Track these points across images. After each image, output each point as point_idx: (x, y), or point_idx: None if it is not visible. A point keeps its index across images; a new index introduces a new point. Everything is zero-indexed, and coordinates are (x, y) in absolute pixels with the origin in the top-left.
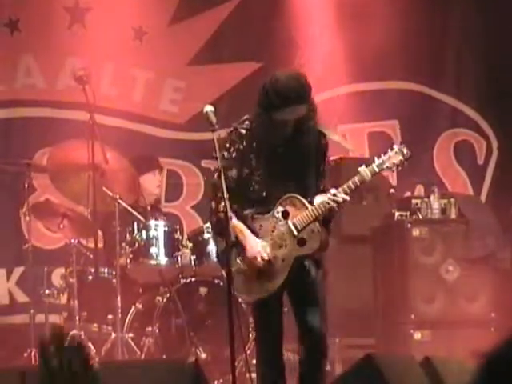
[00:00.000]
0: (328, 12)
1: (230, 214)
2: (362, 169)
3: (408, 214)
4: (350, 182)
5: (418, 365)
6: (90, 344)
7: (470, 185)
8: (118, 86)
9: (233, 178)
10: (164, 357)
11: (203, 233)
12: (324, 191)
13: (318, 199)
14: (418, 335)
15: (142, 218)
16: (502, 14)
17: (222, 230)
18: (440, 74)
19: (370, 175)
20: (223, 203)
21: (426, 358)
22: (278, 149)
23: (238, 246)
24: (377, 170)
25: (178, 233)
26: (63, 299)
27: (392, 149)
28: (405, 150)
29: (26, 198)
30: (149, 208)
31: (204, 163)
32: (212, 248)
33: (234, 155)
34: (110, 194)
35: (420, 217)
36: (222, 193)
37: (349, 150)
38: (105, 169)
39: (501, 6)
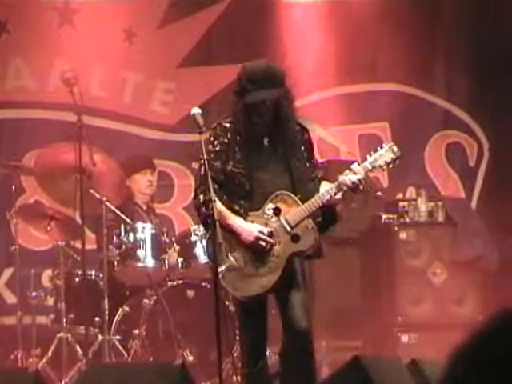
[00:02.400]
0: (318, 14)
1: (216, 216)
2: (355, 166)
3: (395, 216)
4: (342, 176)
5: (404, 367)
6: (77, 346)
7: (462, 187)
8: (108, 87)
9: (218, 169)
10: (151, 359)
11: (190, 235)
12: (317, 179)
13: (321, 190)
14: (405, 338)
15: (129, 221)
16: (492, 17)
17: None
18: (431, 76)
19: (363, 172)
20: (210, 205)
21: (413, 360)
22: (260, 142)
23: (230, 240)
24: (369, 167)
25: (166, 235)
26: (51, 301)
27: (382, 147)
28: (395, 148)
29: (13, 200)
30: (144, 208)
31: (194, 165)
32: (199, 251)
33: (217, 148)
34: (98, 196)
35: (407, 220)
36: (210, 194)
37: (335, 145)
38: (92, 171)
39: (491, 9)
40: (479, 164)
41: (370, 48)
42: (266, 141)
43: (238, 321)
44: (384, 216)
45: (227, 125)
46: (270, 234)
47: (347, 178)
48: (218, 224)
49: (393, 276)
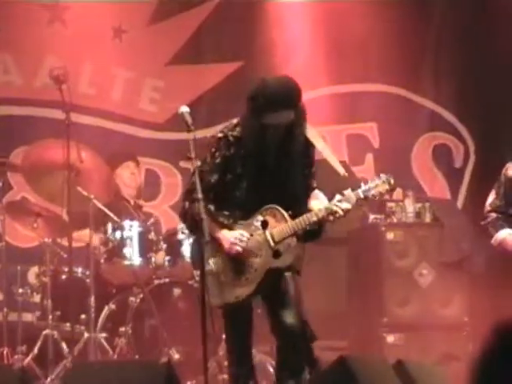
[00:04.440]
0: (308, 14)
1: (202, 215)
2: (348, 192)
3: (383, 217)
4: (334, 202)
5: (390, 368)
6: (62, 343)
7: (448, 188)
8: (97, 84)
9: (211, 183)
10: (137, 357)
11: (177, 234)
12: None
13: (315, 205)
14: (391, 338)
15: (116, 218)
16: (482, 19)
17: (196, 229)
18: (419, 78)
19: (354, 200)
20: (197, 204)
21: (399, 361)
22: (266, 158)
23: (212, 246)
24: (362, 195)
25: (153, 233)
26: (37, 298)
27: (379, 177)
28: (392, 181)
29: (0, 196)
30: (132, 203)
31: (182, 163)
32: (186, 249)
33: (217, 161)
34: (85, 193)
35: (395, 220)
36: (197, 193)
37: (330, 162)
38: (80, 168)
39: (481, 10)
40: (465, 166)
41: (359, 48)
42: (272, 155)
43: (224, 321)
44: (371, 216)
45: (231, 139)
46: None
47: (340, 205)
48: (204, 223)
49: (379, 276)
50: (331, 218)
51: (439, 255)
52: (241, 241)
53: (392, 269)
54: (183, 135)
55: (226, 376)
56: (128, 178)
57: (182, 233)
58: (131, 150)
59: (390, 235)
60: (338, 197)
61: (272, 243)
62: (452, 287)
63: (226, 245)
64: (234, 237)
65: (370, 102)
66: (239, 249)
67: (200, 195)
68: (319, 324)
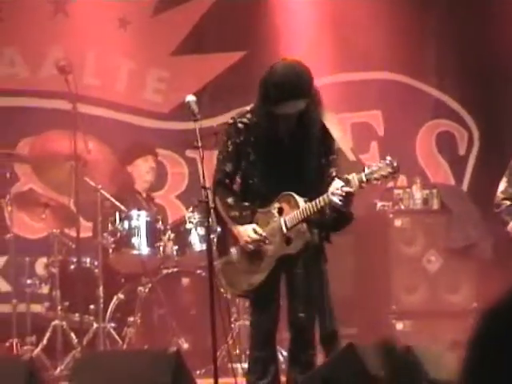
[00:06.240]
0: (312, 2)
1: (210, 204)
2: (351, 176)
3: (390, 204)
4: (338, 185)
5: (398, 354)
6: (71, 334)
7: (452, 175)
8: (102, 75)
9: (225, 172)
10: (146, 347)
11: (185, 223)
12: (330, 178)
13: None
14: (399, 325)
15: (123, 208)
16: (485, 9)
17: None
18: (423, 65)
19: (357, 183)
20: (203, 192)
21: (407, 346)
22: (281, 142)
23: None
24: (364, 179)
25: (160, 223)
26: (45, 289)
27: (384, 160)
28: (394, 163)
29: (7, 188)
30: (144, 195)
31: (188, 152)
32: (194, 238)
33: (230, 149)
34: (92, 184)
35: (402, 207)
36: (204, 182)
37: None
38: (87, 159)
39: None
40: (469, 153)
41: (363, 36)
42: (286, 141)
43: (250, 304)
44: (379, 203)
45: (241, 125)
46: (264, 238)
47: (343, 189)
48: (212, 212)
49: (387, 263)
50: (336, 199)
51: (447, 242)
52: (253, 240)
53: (400, 256)
54: (188, 125)
55: (235, 365)
56: (146, 172)
57: (190, 222)
58: (150, 143)
59: (397, 222)
60: (344, 178)
61: (285, 230)
62: (460, 274)
63: (241, 241)
64: (247, 235)
65: (374, 90)
66: (251, 247)
67: (206, 184)
68: None
